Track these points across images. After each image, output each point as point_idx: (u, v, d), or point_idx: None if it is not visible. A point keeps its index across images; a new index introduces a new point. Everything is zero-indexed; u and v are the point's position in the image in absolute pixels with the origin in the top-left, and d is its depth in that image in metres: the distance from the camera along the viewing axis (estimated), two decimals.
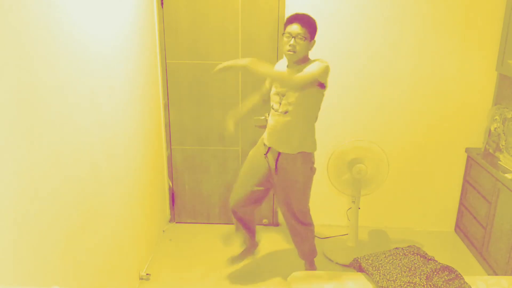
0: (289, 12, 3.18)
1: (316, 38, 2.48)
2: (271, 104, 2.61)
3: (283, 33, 2.42)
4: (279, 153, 2.60)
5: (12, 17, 1.43)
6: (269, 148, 2.65)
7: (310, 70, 2.35)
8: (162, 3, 3.19)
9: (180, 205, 3.69)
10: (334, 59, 3.27)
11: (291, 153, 2.58)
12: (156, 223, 3.39)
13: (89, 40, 2.02)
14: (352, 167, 3.07)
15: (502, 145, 3.09)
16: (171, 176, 3.61)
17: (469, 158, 3.41)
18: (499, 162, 3.05)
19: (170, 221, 3.73)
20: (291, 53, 2.38)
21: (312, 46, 2.47)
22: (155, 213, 3.34)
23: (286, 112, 2.52)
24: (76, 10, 1.88)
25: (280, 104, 2.53)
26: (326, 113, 3.42)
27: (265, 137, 2.69)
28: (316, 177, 3.54)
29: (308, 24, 2.39)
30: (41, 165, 1.62)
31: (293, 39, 2.36)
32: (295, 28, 2.36)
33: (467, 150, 3.42)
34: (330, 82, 3.32)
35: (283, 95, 2.51)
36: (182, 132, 3.50)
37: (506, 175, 2.83)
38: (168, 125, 3.47)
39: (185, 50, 3.30)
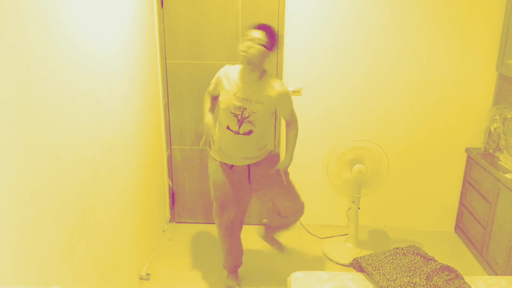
0: (289, 12, 3.19)
1: (275, 51, 2.45)
2: (223, 123, 2.50)
3: (241, 38, 2.41)
4: (248, 166, 2.60)
5: (12, 18, 1.43)
6: (230, 167, 2.59)
7: (293, 112, 2.59)
8: (162, 3, 3.19)
9: (180, 205, 3.69)
10: (334, 60, 3.28)
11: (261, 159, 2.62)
12: (156, 223, 3.40)
13: (89, 40, 2.02)
14: (352, 167, 3.07)
15: (502, 145, 3.09)
16: (171, 176, 3.61)
17: (469, 158, 3.41)
18: (499, 162, 3.05)
19: (170, 221, 3.73)
20: (244, 53, 2.34)
21: (268, 56, 2.40)
22: (155, 213, 3.34)
23: (250, 133, 2.48)
24: (76, 10, 1.88)
25: (239, 126, 2.46)
26: (326, 113, 3.43)
27: (218, 155, 2.59)
28: (316, 177, 3.57)
29: (268, 33, 2.37)
30: (41, 165, 1.62)
31: (249, 42, 2.34)
32: (255, 33, 2.35)
33: (467, 150, 3.42)
34: (331, 82, 3.34)
35: (243, 117, 2.45)
36: (182, 132, 3.50)
37: (506, 175, 2.83)
38: (168, 125, 3.47)
39: (185, 50, 3.30)
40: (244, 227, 3.74)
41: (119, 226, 2.49)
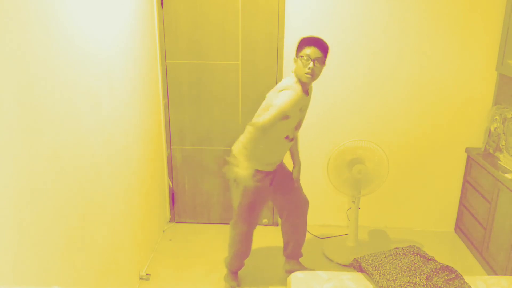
0: (289, 12, 3.19)
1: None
2: (282, 134, 2.49)
3: (300, 55, 2.35)
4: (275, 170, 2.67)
5: (12, 18, 1.43)
6: (267, 173, 2.61)
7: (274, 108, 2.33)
8: (162, 3, 3.19)
9: (180, 205, 3.69)
10: (334, 60, 3.28)
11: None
12: (156, 223, 3.40)
13: (89, 40, 2.02)
14: (352, 167, 3.07)
15: (502, 145, 3.09)
16: (171, 176, 3.61)
17: (469, 158, 3.41)
18: (499, 162, 3.05)
19: (170, 221, 3.73)
20: (309, 76, 2.34)
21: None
22: (155, 213, 3.34)
23: (294, 139, 2.65)
24: (76, 10, 1.88)
25: (293, 133, 2.57)
26: (326, 113, 3.43)
27: (264, 166, 2.57)
28: (316, 177, 3.56)
29: (325, 49, 2.37)
30: (41, 166, 1.62)
31: (312, 62, 2.32)
32: (314, 51, 2.33)
33: (467, 150, 3.42)
34: (331, 81, 3.34)
35: (299, 125, 2.57)
36: (182, 132, 3.50)
37: (506, 175, 2.83)
38: (168, 125, 3.47)
39: (185, 50, 3.30)
40: None
41: (119, 226, 2.49)
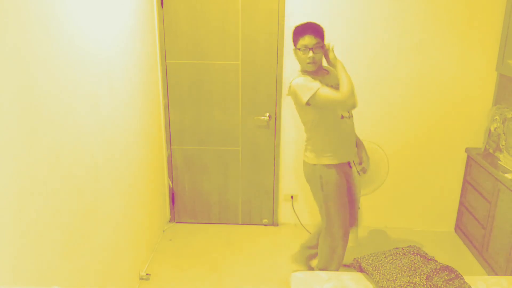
0: (288, 12, 3.19)
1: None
2: (337, 115, 2.47)
3: (297, 47, 2.37)
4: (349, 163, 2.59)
5: (12, 18, 1.43)
6: (342, 165, 2.54)
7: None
8: (162, 3, 3.19)
9: (180, 205, 3.69)
10: None
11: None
12: (156, 223, 3.40)
13: (89, 40, 2.03)
14: None
15: (502, 145, 3.09)
16: (171, 176, 3.61)
17: (469, 158, 3.41)
18: (499, 162, 3.05)
19: (170, 221, 3.73)
20: (312, 64, 2.36)
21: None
22: (155, 213, 3.34)
23: (350, 116, 2.54)
24: (76, 10, 1.88)
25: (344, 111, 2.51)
26: None
27: (335, 156, 2.49)
28: None
29: (319, 33, 2.36)
30: (41, 166, 1.62)
31: (310, 51, 2.33)
32: (309, 39, 2.32)
33: (467, 150, 3.42)
34: None
35: None
36: (182, 132, 3.50)
37: (506, 175, 2.82)
38: (168, 125, 3.47)
39: (185, 50, 3.30)
40: (244, 227, 3.75)
41: (119, 226, 2.49)
